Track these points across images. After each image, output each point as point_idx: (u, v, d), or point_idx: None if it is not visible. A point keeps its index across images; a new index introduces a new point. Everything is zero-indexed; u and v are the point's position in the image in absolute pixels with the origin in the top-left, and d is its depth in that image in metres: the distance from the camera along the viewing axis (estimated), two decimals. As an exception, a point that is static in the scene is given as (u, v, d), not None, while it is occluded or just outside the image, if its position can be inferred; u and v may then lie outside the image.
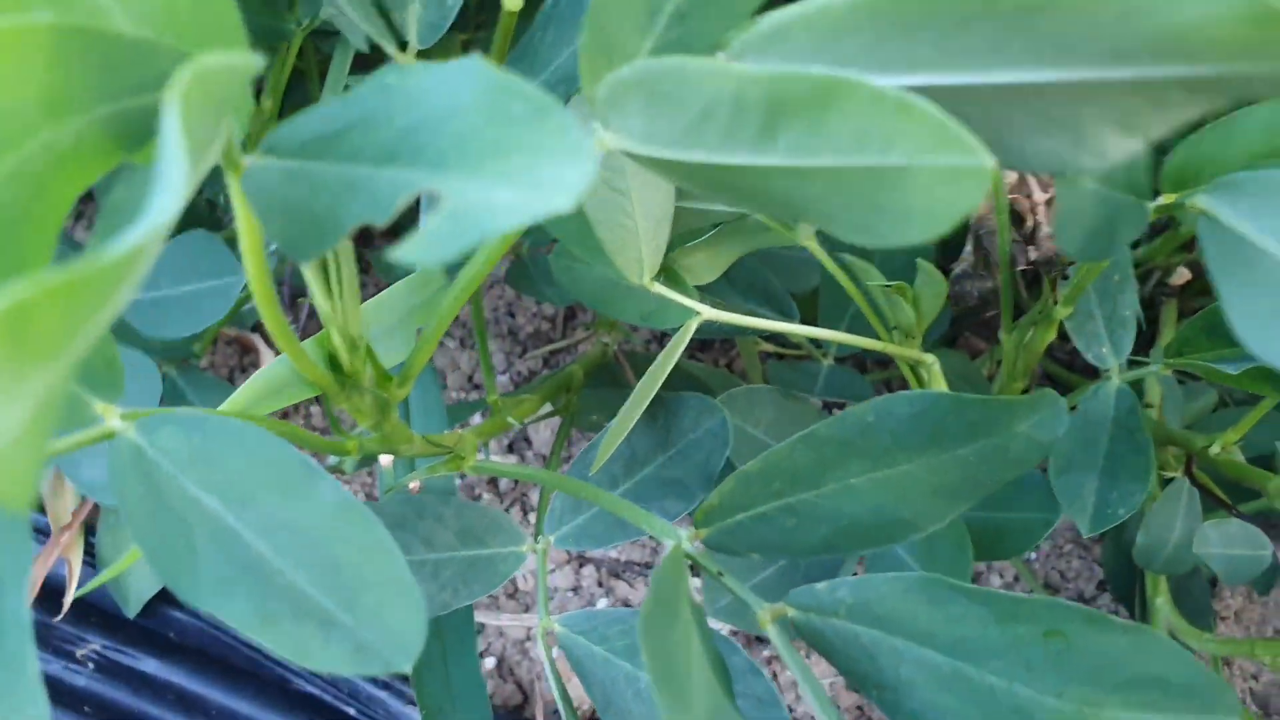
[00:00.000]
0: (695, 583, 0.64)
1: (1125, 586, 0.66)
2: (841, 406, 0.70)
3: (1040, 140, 0.23)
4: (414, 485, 0.47)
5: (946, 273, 0.58)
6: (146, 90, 0.19)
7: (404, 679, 0.61)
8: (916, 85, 0.23)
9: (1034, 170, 0.24)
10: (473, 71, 0.18)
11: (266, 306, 0.29)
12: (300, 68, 0.64)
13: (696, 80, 0.22)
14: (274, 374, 0.34)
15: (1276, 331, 0.31)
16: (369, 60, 0.45)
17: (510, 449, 0.77)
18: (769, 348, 0.72)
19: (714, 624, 0.57)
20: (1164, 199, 0.37)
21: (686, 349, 0.80)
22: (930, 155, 0.19)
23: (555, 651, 0.44)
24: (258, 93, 0.58)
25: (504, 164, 0.16)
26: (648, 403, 0.45)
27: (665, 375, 0.44)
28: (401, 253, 0.16)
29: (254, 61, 0.19)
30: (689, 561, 0.33)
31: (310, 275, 0.34)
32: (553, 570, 0.72)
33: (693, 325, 0.45)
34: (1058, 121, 0.23)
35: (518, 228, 0.16)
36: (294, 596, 0.23)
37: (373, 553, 0.24)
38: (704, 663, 0.28)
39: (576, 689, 0.65)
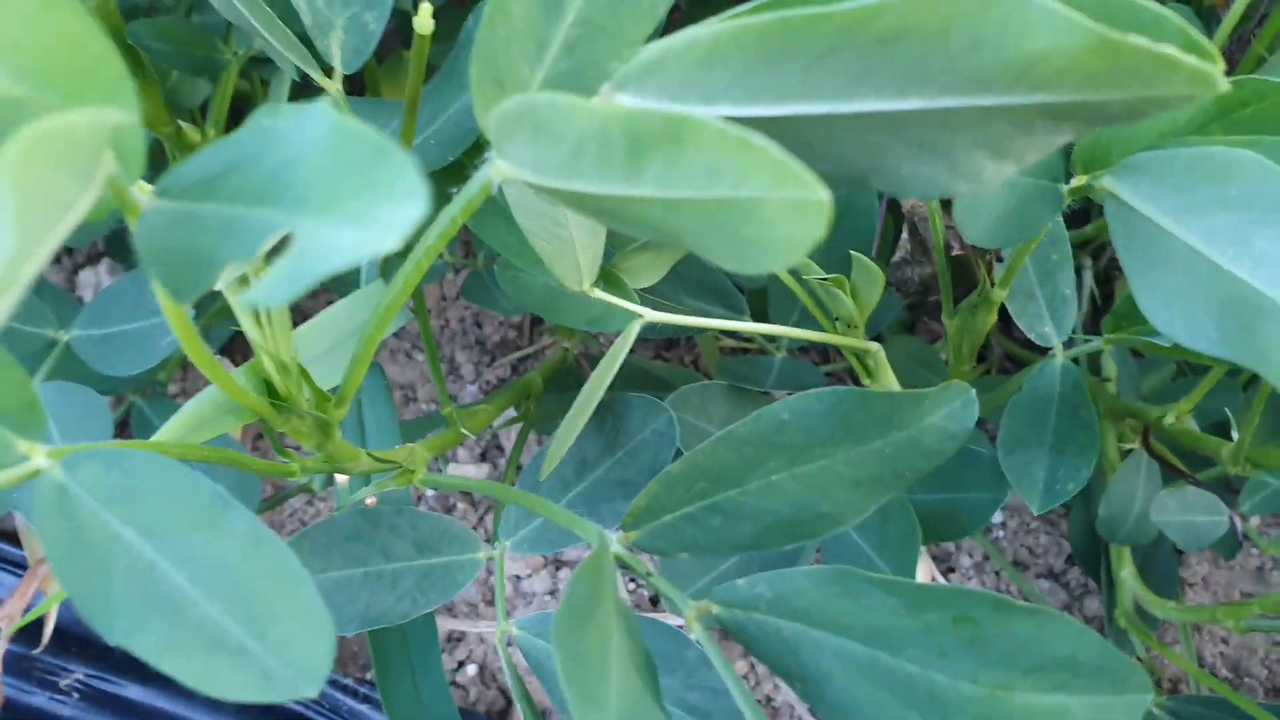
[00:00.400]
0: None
1: (1092, 559, 0.67)
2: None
3: (914, 165, 0.24)
4: (370, 500, 0.48)
5: (890, 260, 0.58)
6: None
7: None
8: (786, 114, 0.23)
9: (911, 195, 0.25)
10: (319, 117, 0.19)
11: (187, 340, 0.30)
12: (247, 91, 0.64)
13: (567, 116, 0.23)
14: (208, 401, 0.35)
15: (1179, 308, 0.32)
16: (312, 85, 0.45)
17: (483, 457, 0.78)
18: (730, 343, 0.73)
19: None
20: (1076, 181, 0.38)
21: (653, 348, 0.81)
22: (775, 190, 0.19)
23: (515, 654, 0.45)
24: (203, 116, 0.59)
25: (346, 205, 0.17)
26: (593, 408, 0.46)
27: (608, 381, 0.45)
28: (249, 297, 0.17)
29: (124, 115, 0.20)
30: (619, 563, 0.33)
31: (236, 303, 0.35)
32: (529, 574, 0.73)
33: (634, 329, 0.46)
34: (929, 148, 0.24)
35: (352, 266, 0.16)
36: (206, 626, 0.24)
37: (284, 582, 0.24)
38: (626, 663, 0.29)
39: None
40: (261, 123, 0.22)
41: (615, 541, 0.33)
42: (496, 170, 0.27)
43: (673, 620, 0.62)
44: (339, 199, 0.18)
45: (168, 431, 0.34)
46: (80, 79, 0.23)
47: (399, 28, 0.60)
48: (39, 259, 0.18)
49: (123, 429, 0.79)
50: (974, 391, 0.32)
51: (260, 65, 0.55)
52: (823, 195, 0.19)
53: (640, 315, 0.46)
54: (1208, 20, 0.70)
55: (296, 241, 0.17)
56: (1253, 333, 0.29)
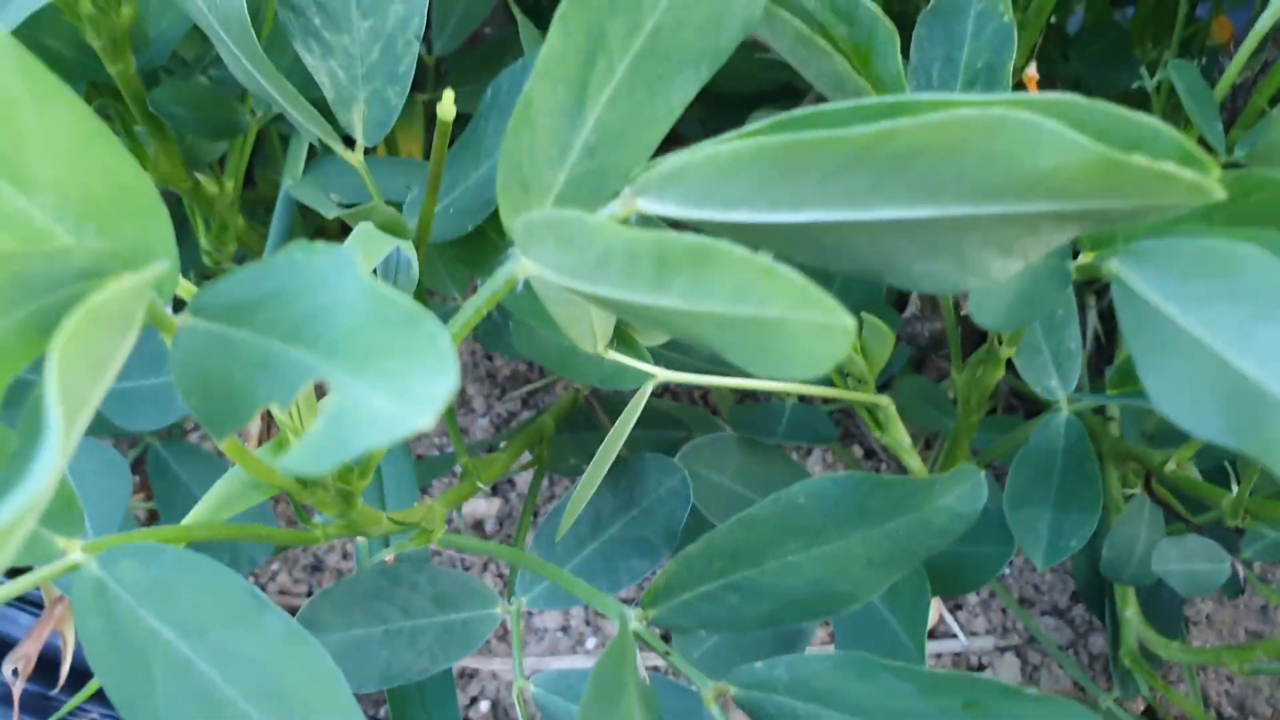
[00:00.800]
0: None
1: (1097, 597, 0.68)
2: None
3: (926, 264, 0.25)
4: (389, 558, 0.49)
5: (901, 312, 0.59)
6: (65, 285, 0.21)
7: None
8: (803, 221, 0.24)
9: (923, 290, 0.26)
10: (352, 269, 0.19)
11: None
12: (264, 132, 0.65)
13: (592, 232, 0.23)
14: (234, 480, 0.36)
15: (1185, 396, 0.33)
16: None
17: (494, 491, 0.79)
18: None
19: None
20: (1083, 258, 0.38)
21: (660, 390, 0.81)
22: (798, 312, 0.20)
23: (533, 710, 0.46)
24: (221, 168, 0.60)
25: (382, 365, 0.18)
26: (608, 467, 0.47)
27: (623, 440, 0.46)
28: (287, 464, 0.18)
29: (163, 260, 0.20)
30: (638, 641, 0.34)
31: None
32: (541, 611, 0.73)
33: (647, 389, 0.47)
34: (941, 248, 0.25)
35: (388, 444, 0.17)
36: (244, 729, 0.24)
37: (318, 681, 0.25)
38: (648, 747, 0.30)
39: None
40: (294, 255, 0.22)
41: (634, 619, 0.34)
42: (521, 268, 0.28)
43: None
44: (373, 356, 0.18)
45: (197, 513, 0.35)
46: (117, 210, 0.23)
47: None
48: (87, 416, 0.19)
49: (137, 466, 0.79)
50: (983, 475, 0.33)
51: (279, 120, 0.56)
52: (846, 321, 0.20)
53: (653, 375, 0.47)
54: (1210, 63, 0.71)
55: (333, 398, 0.18)
56: (1259, 425, 0.30)
